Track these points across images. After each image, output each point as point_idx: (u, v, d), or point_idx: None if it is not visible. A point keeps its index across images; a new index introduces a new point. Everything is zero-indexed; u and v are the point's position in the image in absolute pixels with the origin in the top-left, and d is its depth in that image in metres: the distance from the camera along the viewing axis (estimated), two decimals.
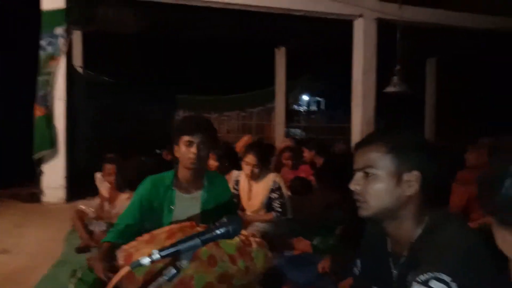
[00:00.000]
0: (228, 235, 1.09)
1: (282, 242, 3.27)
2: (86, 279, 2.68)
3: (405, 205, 1.17)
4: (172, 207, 2.08)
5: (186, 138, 2.02)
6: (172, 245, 1.05)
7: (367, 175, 1.19)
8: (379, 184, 1.17)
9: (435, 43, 7.35)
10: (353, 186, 1.21)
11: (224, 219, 1.11)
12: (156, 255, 1.02)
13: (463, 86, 8.78)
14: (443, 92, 8.80)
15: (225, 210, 2.19)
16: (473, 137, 4.24)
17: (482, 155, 3.88)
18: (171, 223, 2.06)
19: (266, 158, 3.35)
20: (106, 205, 3.58)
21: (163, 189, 2.09)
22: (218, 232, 1.08)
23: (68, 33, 5.44)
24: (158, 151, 4.40)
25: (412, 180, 1.16)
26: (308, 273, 2.60)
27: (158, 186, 2.10)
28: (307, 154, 4.64)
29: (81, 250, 3.32)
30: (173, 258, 1.07)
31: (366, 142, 1.23)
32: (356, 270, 1.42)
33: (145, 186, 2.10)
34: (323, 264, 2.44)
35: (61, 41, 5.28)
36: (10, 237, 3.86)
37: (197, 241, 1.06)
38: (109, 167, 3.45)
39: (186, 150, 2.02)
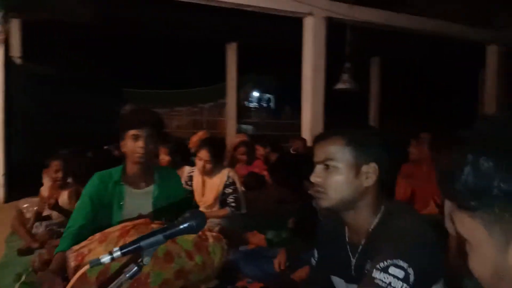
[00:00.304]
0: (192, 230, 1.08)
1: (237, 237, 3.28)
2: (32, 282, 2.54)
3: (363, 196, 1.22)
4: (122, 203, 2.03)
5: (132, 132, 1.97)
6: (134, 242, 1.02)
7: (327, 167, 1.22)
8: (339, 176, 1.21)
9: (379, 43, 7.66)
10: (314, 178, 1.24)
11: (187, 214, 1.09)
12: (117, 252, 0.99)
13: (405, 85, 9.25)
14: (386, 90, 9.22)
15: (178, 205, 2.17)
16: (414, 132, 4.47)
17: (424, 150, 4.12)
18: (121, 219, 2.00)
19: (220, 154, 3.34)
20: (47, 204, 3.40)
21: (112, 184, 2.03)
22: (181, 227, 1.06)
23: (5, 21, 5.07)
24: (106, 147, 4.23)
25: (370, 171, 1.21)
26: (263, 267, 2.62)
27: (106, 182, 2.04)
28: (261, 151, 4.67)
29: (23, 252, 3.12)
30: (134, 255, 1.05)
31: (325, 135, 1.27)
32: (313, 260, 1.45)
33: (93, 183, 2.03)
34: (279, 260, 2.47)
35: None
36: None
37: (159, 237, 1.03)
38: (56, 163, 3.28)
39: (132, 144, 1.97)
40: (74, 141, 5.28)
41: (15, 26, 6.49)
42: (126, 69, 8.27)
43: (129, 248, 1.00)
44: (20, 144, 6.50)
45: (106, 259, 0.98)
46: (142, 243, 1.01)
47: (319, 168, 1.24)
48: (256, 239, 3.29)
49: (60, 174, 3.29)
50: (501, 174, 0.54)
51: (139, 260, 1.02)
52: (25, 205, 3.54)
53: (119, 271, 1.06)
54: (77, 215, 1.98)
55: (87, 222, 1.96)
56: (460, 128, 0.62)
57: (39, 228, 3.31)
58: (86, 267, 0.98)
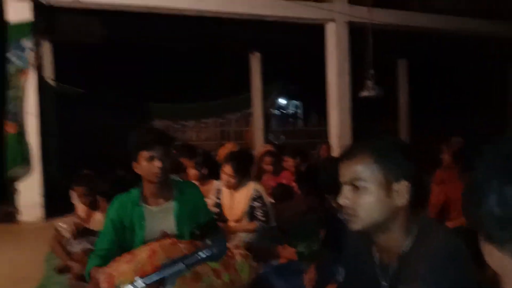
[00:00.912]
0: (213, 258, 1.08)
1: (267, 251, 3.26)
2: None
3: (395, 216, 1.16)
4: (143, 223, 2.05)
5: (146, 153, 1.98)
6: (157, 272, 1.03)
7: (355, 188, 1.16)
8: (369, 196, 1.14)
9: (405, 45, 7.51)
10: (342, 200, 1.18)
11: (209, 241, 1.10)
12: (140, 283, 1.01)
13: (435, 86, 9.02)
14: (416, 93, 9.00)
15: (200, 218, 2.18)
16: (445, 137, 4.35)
17: (454, 154, 4.00)
18: (144, 239, 2.02)
19: (244, 168, 3.32)
20: (84, 224, 3.49)
21: (131, 206, 2.06)
22: (202, 255, 1.06)
23: (37, 44, 5.30)
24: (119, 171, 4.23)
25: (402, 189, 1.15)
26: (294, 281, 2.60)
27: (126, 204, 2.06)
28: (290, 162, 4.60)
29: (61, 270, 3.22)
30: (158, 284, 1.06)
31: (351, 153, 1.20)
32: (340, 278, 1.41)
33: (113, 207, 2.07)
34: (309, 276, 2.44)
35: (29, 54, 5.15)
36: None
37: (181, 265, 1.04)
38: (79, 189, 3.36)
39: (148, 165, 1.98)
40: (104, 159, 5.44)
41: (46, 49, 6.78)
42: (152, 85, 8.46)
43: (152, 279, 1.02)
44: (55, 164, 6.77)
45: None
46: (165, 274, 1.02)
47: (346, 189, 1.17)
48: (287, 252, 3.25)
49: (85, 198, 3.36)
50: None
51: None
52: (62, 224, 3.65)
53: None
54: (102, 240, 2.03)
55: (112, 246, 1.99)
56: (489, 135, 0.58)
57: (76, 247, 3.39)
58: None
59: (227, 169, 3.25)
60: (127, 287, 1.00)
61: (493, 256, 0.56)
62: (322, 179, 2.50)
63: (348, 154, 1.21)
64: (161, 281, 1.04)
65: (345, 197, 1.18)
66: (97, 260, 1.96)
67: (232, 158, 3.34)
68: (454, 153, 4.07)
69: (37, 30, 5.38)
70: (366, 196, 1.15)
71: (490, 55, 7.56)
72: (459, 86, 8.77)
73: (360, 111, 6.31)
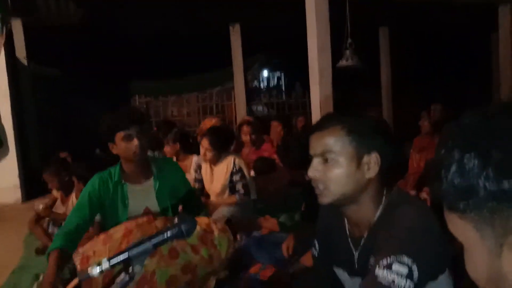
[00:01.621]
0: (181, 235, 1.06)
1: (249, 223, 3.29)
2: None
3: (365, 188, 1.16)
4: (127, 202, 2.04)
5: (122, 133, 1.95)
6: (122, 252, 1.01)
7: (325, 160, 1.14)
8: (339, 169, 1.13)
9: (386, 12, 7.42)
10: (312, 172, 1.16)
11: (176, 220, 1.07)
12: (106, 265, 0.99)
13: (415, 55, 9.00)
14: (397, 61, 8.98)
15: (181, 193, 2.18)
16: (427, 104, 4.38)
17: (433, 121, 4.04)
18: (128, 217, 2.02)
19: (221, 142, 3.31)
20: (60, 206, 3.46)
21: (113, 184, 2.05)
22: (169, 233, 1.04)
23: (5, 22, 5.07)
24: (97, 151, 4.15)
25: (372, 162, 1.14)
26: (275, 252, 2.62)
27: (107, 182, 2.05)
28: (279, 127, 4.61)
29: (41, 251, 3.19)
30: (125, 264, 1.04)
31: (322, 125, 1.18)
32: (315, 251, 1.42)
33: (93, 183, 2.04)
34: (287, 245, 2.46)
35: None
36: None
37: (148, 245, 1.02)
38: (47, 175, 3.32)
39: (126, 145, 1.96)
40: (82, 140, 5.33)
41: (18, 28, 6.50)
42: (131, 61, 8.25)
43: (117, 260, 1.00)
44: (32, 145, 6.63)
45: (95, 272, 0.98)
46: (130, 254, 1.00)
47: (316, 161, 1.15)
48: (269, 223, 3.28)
49: (54, 184, 3.32)
50: (487, 174, 0.49)
51: (130, 269, 1.01)
52: (40, 206, 3.60)
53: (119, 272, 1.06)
54: (74, 215, 1.99)
55: (84, 222, 1.97)
56: (472, 103, 0.57)
57: (55, 228, 3.37)
58: (75, 281, 0.98)
59: (204, 142, 3.27)
60: (94, 270, 0.99)
61: (456, 225, 0.56)
62: (293, 152, 2.49)
63: (320, 126, 1.19)
64: (129, 262, 1.02)
65: (315, 170, 1.16)
66: (61, 238, 1.87)
67: (208, 132, 3.36)
68: (434, 120, 4.11)
69: (6, 10, 5.13)
70: (336, 168, 1.13)
71: (473, 22, 7.54)
72: (442, 54, 8.78)
73: (342, 81, 6.28)
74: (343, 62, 4.83)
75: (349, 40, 4.78)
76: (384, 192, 1.19)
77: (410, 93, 8.73)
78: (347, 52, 4.82)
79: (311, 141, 1.19)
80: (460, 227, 0.55)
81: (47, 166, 3.34)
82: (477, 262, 0.55)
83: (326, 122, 1.18)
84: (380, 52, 8.99)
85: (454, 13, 7.04)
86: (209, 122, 5.03)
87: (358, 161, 1.13)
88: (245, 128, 4.43)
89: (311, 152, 1.18)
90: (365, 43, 6.09)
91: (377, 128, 1.18)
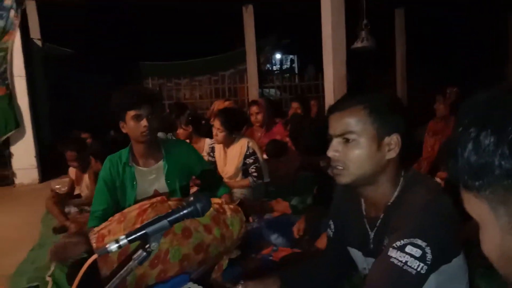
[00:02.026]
0: (196, 214, 1.07)
1: (261, 206, 3.31)
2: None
3: (384, 169, 1.15)
4: (135, 183, 2.07)
5: (132, 112, 1.95)
6: (139, 229, 1.03)
7: (346, 141, 1.13)
8: (360, 150, 1.12)
9: None
10: (331, 153, 1.15)
11: (191, 198, 1.08)
12: (124, 241, 1.00)
13: (431, 36, 8.80)
14: (412, 43, 8.81)
15: (195, 172, 2.20)
16: (442, 87, 4.29)
17: (449, 105, 3.96)
18: (136, 199, 2.05)
19: (233, 122, 3.30)
20: (75, 186, 3.53)
21: (122, 167, 2.08)
22: (185, 211, 1.06)
23: (19, 3, 5.09)
24: (112, 132, 4.18)
25: (393, 143, 1.13)
26: (287, 234, 2.64)
27: (117, 165, 2.08)
28: (297, 106, 4.57)
29: (58, 230, 3.27)
30: (142, 241, 1.06)
31: (343, 105, 1.15)
32: (330, 231, 1.43)
33: (105, 167, 2.09)
34: (298, 227, 2.48)
35: (12, 13, 4.95)
36: None
37: (164, 222, 1.04)
38: (70, 154, 3.37)
39: (135, 124, 1.97)
40: (96, 120, 5.38)
41: (32, 9, 6.53)
42: (144, 42, 8.24)
43: (135, 236, 1.01)
44: (47, 125, 6.72)
45: (113, 247, 1.00)
46: (148, 230, 1.02)
47: (336, 141, 1.14)
48: (281, 206, 3.30)
49: (75, 163, 3.38)
50: (503, 151, 0.49)
51: (147, 246, 1.03)
52: (57, 186, 3.68)
53: (137, 251, 1.08)
54: (97, 200, 2.06)
55: (108, 205, 2.02)
56: (488, 86, 0.57)
57: (71, 208, 3.44)
58: (94, 256, 1.00)
59: (216, 123, 3.29)
60: (112, 245, 1.01)
61: (471, 204, 0.57)
62: (305, 139, 2.47)
63: (340, 105, 1.16)
64: (146, 238, 1.03)
65: (335, 150, 1.14)
66: (94, 222, 2.00)
67: (220, 112, 3.37)
68: (450, 104, 4.03)
69: None
70: (357, 149, 1.12)
71: (490, 2, 7.32)
72: (457, 36, 8.57)
73: (357, 63, 6.19)
74: (358, 44, 4.75)
75: (365, 21, 4.68)
76: (402, 174, 1.18)
77: (424, 76, 8.57)
78: (362, 33, 4.73)
79: (331, 121, 1.17)
80: (475, 206, 0.55)
81: (69, 143, 3.40)
82: (490, 240, 0.55)
83: (347, 102, 1.15)
84: (395, 34, 8.81)
85: None
86: (221, 104, 5.03)
87: (379, 142, 1.12)
88: (254, 109, 4.39)
89: (331, 132, 1.16)
90: (381, 24, 5.96)
91: (397, 107, 1.16)
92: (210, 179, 2.29)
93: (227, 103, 5.06)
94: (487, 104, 0.54)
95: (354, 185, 1.18)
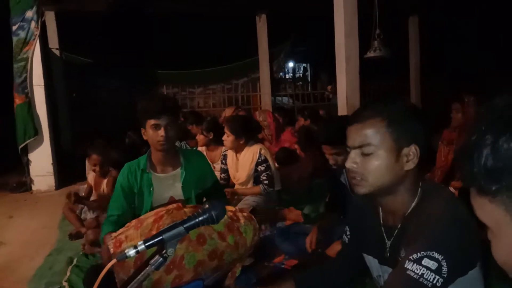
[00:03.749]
0: (211, 220, 1.10)
1: (273, 214, 3.32)
2: (82, 265, 2.71)
3: (403, 180, 1.15)
4: (151, 189, 2.11)
5: (152, 121, 2.01)
6: (156, 235, 1.06)
7: (364, 152, 1.13)
8: (378, 161, 1.12)
9: (416, 1, 7.23)
10: (350, 164, 1.15)
11: (206, 205, 1.11)
12: (142, 246, 1.04)
13: (445, 43, 8.74)
14: (427, 50, 8.76)
15: (207, 184, 2.24)
16: (458, 95, 4.24)
17: (467, 114, 3.90)
18: (153, 205, 2.09)
19: (241, 128, 3.32)
20: (93, 192, 3.59)
21: (140, 173, 2.12)
22: (201, 218, 1.09)
23: (40, 15, 5.24)
24: (129, 132, 4.25)
25: (412, 154, 1.13)
26: (299, 243, 2.64)
27: (135, 171, 2.13)
28: (302, 121, 4.58)
29: (74, 236, 3.33)
30: (159, 247, 1.09)
31: (361, 116, 1.15)
32: (345, 237, 1.44)
33: (123, 173, 2.14)
34: (310, 239, 2.48)
35: (33, 25, 5.10)
36: (3, 228, 3.85)
37: (180, 229, 1.07)
38: (95, 158, 3.43)
39: (153, 133, 2.03)
40: (113, 126, 5.47)
41: (51, 19, 6.71)
42: (159, 52, 8.37)
43: (153, 242, 1.04)
44: (65, 133, 6.86)
45: (131, 253, 1.03)
46: (164, 236, 1.05)
47: (354, 153, 1.14)
48: (293, 215, 3.30)
49: (98, 167, 3.44)
50: None
51: (164, 251, 1.06)
52: (74, 192, 3.75)
53: (152, 256, 1.11)
54: (113, 205, 2.09)
55: (123, 211, 2.06)
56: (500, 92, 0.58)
57: (87, 214, 3.50)
58: (113, 261, 1.03)
59: (225, 129, 3.35)
60: (130, 251, 1.04)
61: (485, 209, 0.57)
62: (325, 128, 2.46)
63: (358, 117, 1.16)
64: (162, 244, 1.07)
65: (353, 161, 1.15)
66: (109, 226, 2.04)
67: (228, 118, 3.46)
68: (468, 113, 3.96)
69: (41, 0, 5.30)
70: (375, 161, 1.12)
71: (507, 9, 7.25)
72: (473, 42, 8.49)
73: (370, 71, 6.18)
74: (370, 53, 4.75)
75: (377, 31, 4.69)
76: (420, 184, 1.18)
77: (439, 83, 8.50)
78: (375, 43, 4.74)
79: (349, 132, 1.17)
80: (490, 211, 0.55)
81: (95, 147, 3.47)
82: (506, 244, 0.55)
83: (365, 113, 1.15)
84: (409, 42, 8.78)
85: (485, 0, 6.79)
86: (229, 111, 5.11)
87: (397, 153, 1.11)
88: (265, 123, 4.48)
89: (349, 143, 1.16)
90: (394, 32, 5.96)
91: (416, 117, 1.15)
92: (216, 193, 2.32)
93: (234, 110, 5.15)
94: (505, 109, 0.54)
95: (372, 195, 1.19)
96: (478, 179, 0.55)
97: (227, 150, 3.64)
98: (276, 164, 3.74)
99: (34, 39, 5.12)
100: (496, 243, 0.57)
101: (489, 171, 0.53)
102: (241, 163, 3.42)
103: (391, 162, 1.11)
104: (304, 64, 13.83)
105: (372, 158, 1.12)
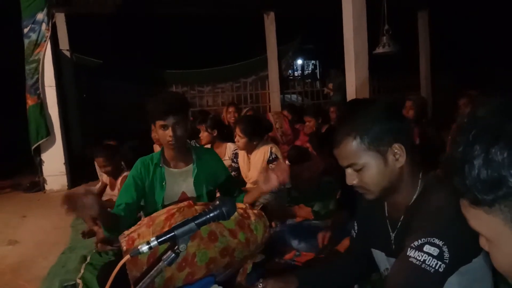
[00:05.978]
0: (222, 217, 1.12)
1: (283, 211, 3.33)
2: (96, 263, 2.75)
3: (400, 176, 1.21)
4: (164, 183, 2.14)
5: (160, 122, 2.04)
6: (169, 231, 1.07)
7: (356, 169, 1.21)
8: (370, 171, 1.19)
9: None
10: (349, 181, 1.24)
11: (217, 202, 1.13)
12: (154, 242, 1.06)
13: (456, 39, 8.64)
14: (437, 45, 8.67)
15: (220, 179, 2.27)
16: (467, 91, 4.22)
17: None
18: (164, 199, 2.12)
19: (253, 129, 3.33)
20: (108, 190, 3.62)
21: (153, 167, 2.15)
22: (212, 214, 1.10)
23: (50, 17, 5.30)
24: (131, 143, 4.29)
25: (397, 152, 1.18)
26: (310, 240, 2.65)
27: (148, 165, 2.16)
28: (312, 123, 4.57)
29: (87, 234, 3.38)
30: (171, 243, 1.10)
31: (336, 141, 1.23)
32: (353, 232, 1.48)
33: (136, 167, 2.16)
34: (323, 236, 2.48)
35: (44, 27, 5.16)
36: (17, 227, 3.92)
37: (192, 225, 1.08)
38: (100, 160, 3.45)
39: (163, 133, 2.06)
40: (124, 128, 5.52)
41: (61, 21, 6.79)
42: (167, 51, 8.41)
43: (165, 238, 1.06)
44: (76, 133, 6.94)
45: (144, 248, 1.05)
46: (177, 232, 1.07)
47: (349, 171, 1.23)
48: (303, 212, 3.32)
49: (107, 168, 3.45)
50: None
51: (176, 247, 1.08)
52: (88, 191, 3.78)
53: (164, 252, 1.13)
54: (122, 195, 2.11)
55: (132, 201, 2.08)
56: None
57: None
58: (127, 257, 1.05)
59: (237, 130, 3.35)
60: (143, 247, 1.06)
61: (481, 219, 0.56)
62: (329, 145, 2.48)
63: (335, 141, 1.24)
64: (175, 240, 1.08)
65: (351, 179, 1.23)
66: (117, 211, 2.02)
67: (240, 119, 3.45)
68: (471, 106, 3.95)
69: (51, 3, 5.37)
70: (367, 172, 1.19)
71: None
72: (484, 37, 8.38)
73: (379, 66, 6.15)
74: (379, 49, 4.73)
75: (386, 26, 4.66)
76: (420, 176, 1.23)
77: (449, 78, 8.42)
78: (384, 38, 4.71)
79: (336, 155, 1.25)
80: (487, 221, 0.55)
81: (97, 150, 3.49)
82: (507, 253, 0.54)
83: (337, 137, 1.22)
84: (418, 37, 8.70)
85: None
86: (231, 110, 5.24)
87: (383, 157, 1.18)
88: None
89: (341, 164, 1.25)
90: (404, 27, 5.91)
91: (386, 118, 1.20)
92: (232, 186, 2.34)
93: (231, 108, 5.25)
94: (490, 117, 0.53)
95: (381, 197, 1.25)
96: (472, 191, 0.54)
97: (237, 148, 3.65)
98: (287, 162, 3.75)
99: (45, 41, 5.19)
100: (496, 253, 0.57)
101: (484, 182, 0.52)
102: (252, 162, 3.43)
103: (382, 168, 1.18)
104: (313, 61, 13.80)
105: (363, 171, 1.19)
